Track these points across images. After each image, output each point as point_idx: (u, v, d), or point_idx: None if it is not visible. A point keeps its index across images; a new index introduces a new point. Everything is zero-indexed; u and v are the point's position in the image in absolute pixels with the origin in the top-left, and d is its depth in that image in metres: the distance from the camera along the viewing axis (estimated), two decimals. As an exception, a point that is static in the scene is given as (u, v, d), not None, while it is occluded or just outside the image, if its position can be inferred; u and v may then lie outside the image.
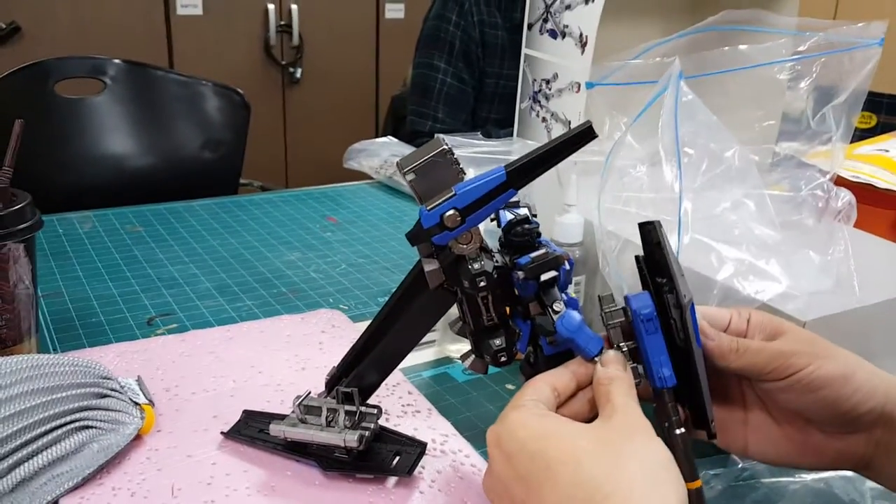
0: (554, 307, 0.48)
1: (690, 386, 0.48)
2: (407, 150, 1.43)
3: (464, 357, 0.53)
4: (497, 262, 0.49)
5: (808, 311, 0.61)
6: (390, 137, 1.51)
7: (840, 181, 0.72)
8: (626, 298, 0.48)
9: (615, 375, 0.46)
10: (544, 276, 0.48)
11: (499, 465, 0.44)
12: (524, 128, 0.86)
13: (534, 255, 0.48)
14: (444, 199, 0.46)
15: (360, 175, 1.43)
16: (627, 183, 0.69)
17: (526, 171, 0.46)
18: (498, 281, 0.49)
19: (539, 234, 0.50)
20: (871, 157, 0.97)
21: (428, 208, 0.46)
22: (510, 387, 0.73)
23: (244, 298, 0.91)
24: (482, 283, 0.48)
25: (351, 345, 0.75)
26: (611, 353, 0.47)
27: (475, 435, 0.64)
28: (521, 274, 0.48)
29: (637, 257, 0.50)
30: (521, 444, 0.43)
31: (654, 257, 0.48)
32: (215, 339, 0.75)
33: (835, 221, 0.68)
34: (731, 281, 0.62)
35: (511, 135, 0.97)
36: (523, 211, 0.50)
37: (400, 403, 0.66)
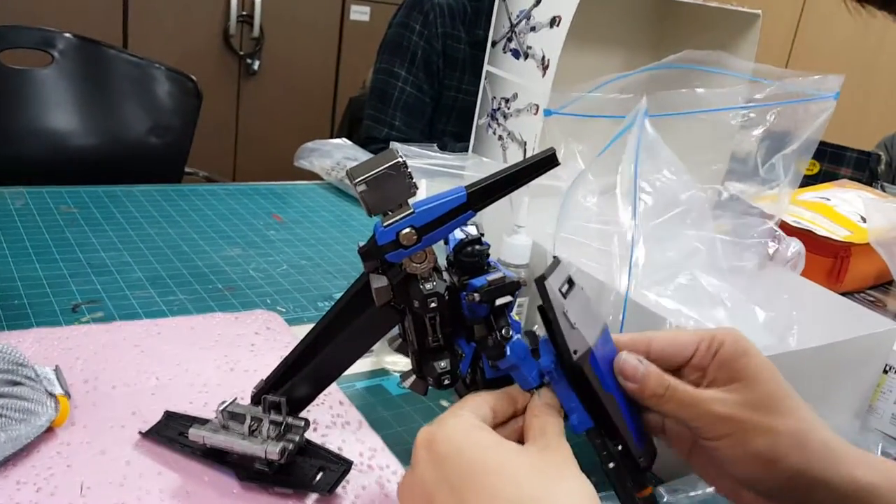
0: (504, 332, 0.47)
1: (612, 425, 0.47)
2: (361, 153, 1.41)
3: (404, 377, 0.52)
4: (447, 282, 0.48)
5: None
6: (344, 139, 1.49)
7: (782, 226, 0.74)
8: (540, 342, 0.47)
9: (551, 411, 0.45)
10: (499, 301, 0.47)
11: (425, 467, 0.42)
12: (480, 144, 0.86)
13: (490, 278, 0.47)
14: (401, 216, 0.45)
15: (310, 175, 1.41)
16: (578, 213, 0.69)
17: (486, 194, 0.45)
18: (447, 302, 0.48)
19: (488, 255, 0.49)
20: (813, 204, 0.99)
21: (384, 225, 0.45)
22: (444, 403, 0.72)
23: (177, 292, 0.88)
24: (433, 304, 0.47)
25: (285, 349, 0.73)
26: (547, 390, 0.47)
27: (404, 451, 0.63)
28: (476, 297, 0.47)
29: (539, 307, 0.48)
30: (457, 449, 0.41)
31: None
32: (142, 333, 0.73)
33: (780, 268, 0.70)
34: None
35: (467, 149, 0.96)
36: (473, 230, 0.49)
37: (330, 414, 0.64)
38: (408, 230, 0.45)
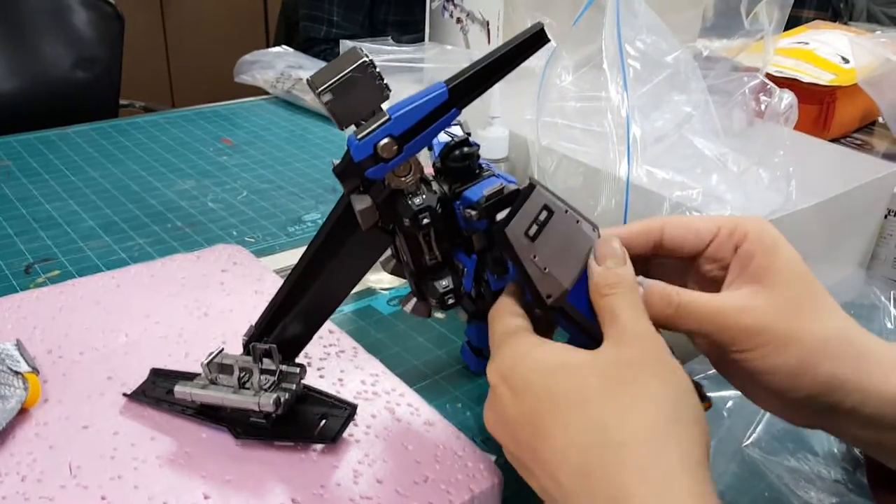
0: None
1: None
2: (305, 60, 1.32)
3: (404, 300, 0.48)
4: (437, 192, 0.43)
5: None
6: (285, 47, 1.39)
7: (767, 79, 0.69)
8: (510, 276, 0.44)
9: (618, 280, 0.39)
10: (500, 216, 0.42)
11: (505, 402, 0.39)
12: (437, 31, 0.79)
13: (487, 191, 0.42)
14: (376, 125, 0.39)
15: (254, 90, 1.32)
16: (555, 94, 0.64)
17: (471, 86, 0.39)
18: (441, 215, 0.43)
19: (479, 157, 0.44)
20: (792, 50, 0.94)
21: (358, 137, 0.39)
22: (440, 316, 0.68)
23: (135, 237, 0.81)
24: (425, 221, 0.42)
25: (257, 283, 0.68)
26: (608, 242, 0.40)
27: (407, 371, 0.60)
28: (473, 213, 0.42)
29: (504, 253, 0.43)
30: (527, 381, 0.38)
31: None
32: (99, 288, 0.67)
33: (770, 124, 0.65)
34: (682, 211, 0.57)
35: (419, 39, 0.88)
36: (458, 130, 0.44)
37: (321, 345, 0.60)
38: (386, 140, 0.39)
